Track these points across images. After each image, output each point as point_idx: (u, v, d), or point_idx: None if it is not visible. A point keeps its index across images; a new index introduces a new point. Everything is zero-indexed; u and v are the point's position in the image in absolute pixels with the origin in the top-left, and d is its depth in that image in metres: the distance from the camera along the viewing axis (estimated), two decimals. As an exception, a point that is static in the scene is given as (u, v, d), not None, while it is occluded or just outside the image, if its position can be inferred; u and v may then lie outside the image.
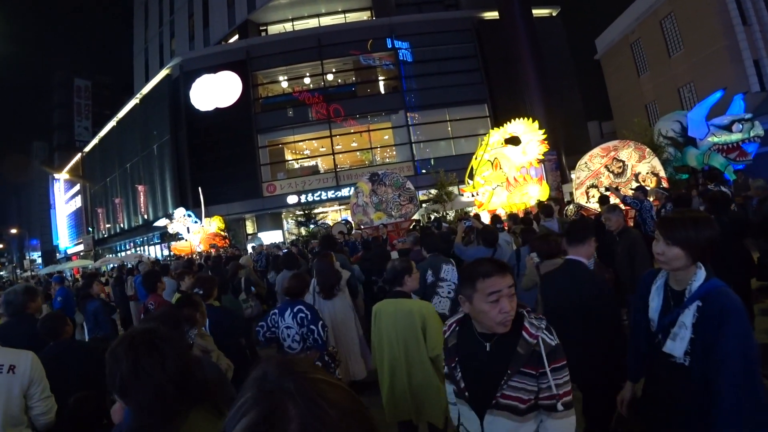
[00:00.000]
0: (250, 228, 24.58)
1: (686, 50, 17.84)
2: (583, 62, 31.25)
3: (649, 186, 8.67)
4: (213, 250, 16.88)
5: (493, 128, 24.19)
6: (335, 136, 23.87)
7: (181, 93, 24.62)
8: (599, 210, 8.32)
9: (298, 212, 20.24)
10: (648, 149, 9.61)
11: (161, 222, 20.11)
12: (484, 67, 25.04)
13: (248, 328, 4.93)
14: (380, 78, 25.29)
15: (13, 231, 52.64)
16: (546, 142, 11.85)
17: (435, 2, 28.37)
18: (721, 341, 1.44)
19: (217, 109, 23.86)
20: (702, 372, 1.50)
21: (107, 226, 34.77)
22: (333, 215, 24.28)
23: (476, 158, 11.97)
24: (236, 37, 26.83)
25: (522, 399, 1.50)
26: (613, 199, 7.08)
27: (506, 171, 11.51)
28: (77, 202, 41.22)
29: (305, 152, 26.05)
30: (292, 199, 22.49)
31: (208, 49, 26.38)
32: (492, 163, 11.45)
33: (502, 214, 10.30)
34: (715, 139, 9.91)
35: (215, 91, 23.88)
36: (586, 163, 9.79)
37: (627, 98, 21.06)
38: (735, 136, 9.65)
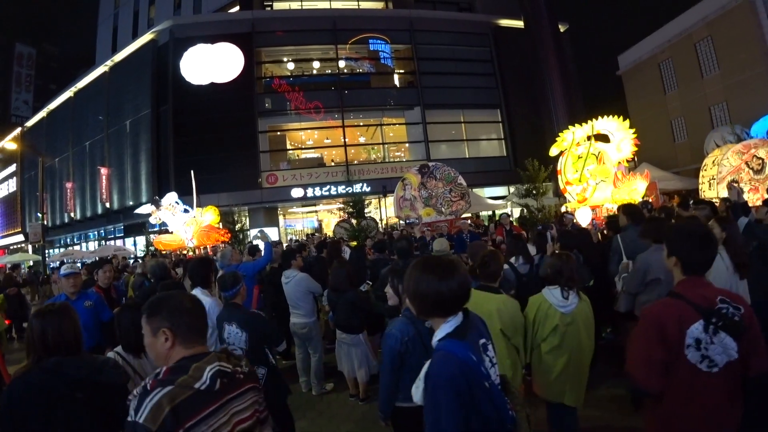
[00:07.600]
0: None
1: (722, 72, 17.87)
2: (591, 78, 31.78)
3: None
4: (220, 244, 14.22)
5: (509, 132, 23.72)
6: (347, 127, 21.70)
7: (169, 63, 21.25)
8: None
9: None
10: (789, 148, 8.72)
11: (144, 209, 16.61)
12: (499, 72, 24.32)
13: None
14: (396, 71, 23.61)
15: None
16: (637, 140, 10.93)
17: (449, 2, 27.42)
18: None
19: (212, 85, 20.72)
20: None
21: (49, 215, 29.65)
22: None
23: (568, 153, 10.60)
24: (236, 9, 23.99)
25: None
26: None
27: (608, 166, 10.30)
28: (10, 185, 35.24)
29: (309, 142, 23.55)
30: (297, 192, 19.90)
31: (207, 16, 23.24)
32: (597, 157, 10.14)
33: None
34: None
35: (212, 63, 20.77)
36: (728, 158, 8.74)
37: (650, 113, 20.94)
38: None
